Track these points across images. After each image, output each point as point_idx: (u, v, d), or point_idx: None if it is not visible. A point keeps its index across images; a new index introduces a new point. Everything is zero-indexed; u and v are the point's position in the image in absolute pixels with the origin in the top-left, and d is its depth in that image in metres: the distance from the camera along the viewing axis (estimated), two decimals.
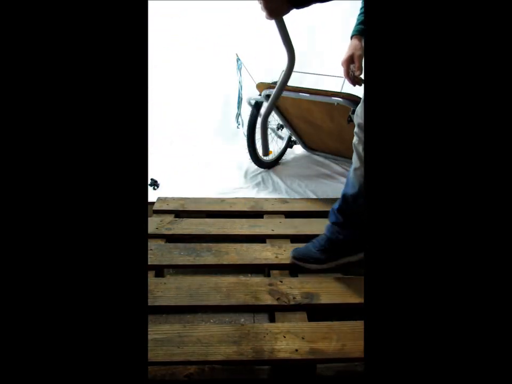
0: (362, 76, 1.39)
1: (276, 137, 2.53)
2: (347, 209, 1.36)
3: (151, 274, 1.46)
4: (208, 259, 1.52)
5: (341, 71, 1.42)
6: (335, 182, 2.28)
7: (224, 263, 1.51)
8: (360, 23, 1.38)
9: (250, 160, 2.35)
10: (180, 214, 1.90)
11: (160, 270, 1.53)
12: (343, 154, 2.46)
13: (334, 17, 2.63)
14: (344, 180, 2.30)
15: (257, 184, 2.26)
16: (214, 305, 1.30)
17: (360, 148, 1.24)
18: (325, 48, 2.77)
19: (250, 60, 2.36)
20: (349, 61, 1.39)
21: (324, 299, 1.31)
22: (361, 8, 1.38)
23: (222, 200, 2.01)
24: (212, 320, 1.35)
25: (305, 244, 1.52)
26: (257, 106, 2.23)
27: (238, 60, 2.14)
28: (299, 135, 2.51)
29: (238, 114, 2.36)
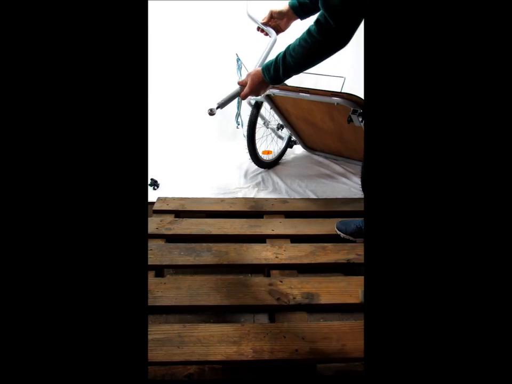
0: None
1: (276, 137, 2.53)
2: None
3: (151, 274, 1.46)
4: (208, 259, 1.52)
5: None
6: (335, 182, 2.28)
7: (224, 263, 1.51)
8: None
9: (250, 160, 2.35)
10: (180, 214, 1.90)
11: (160, 270, 1.53)
12: (343, 154, 2.46)
13: None
14: (344, 180, 2.30)
15: (257, 184, 2.26)
16: (214, 305, 1.30)
17: None
18: None
19: (250, 60, 2.35)
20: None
21: (324, 299, 1.32)
22: None
23: (222, 200, 2.01)
24: (211, 320, 1.35)
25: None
26: (257, 106, 2.23)
27: (238, 59, 2.14)
28: (299, 135, 2.51)
29: (238, 114, 2.35)
